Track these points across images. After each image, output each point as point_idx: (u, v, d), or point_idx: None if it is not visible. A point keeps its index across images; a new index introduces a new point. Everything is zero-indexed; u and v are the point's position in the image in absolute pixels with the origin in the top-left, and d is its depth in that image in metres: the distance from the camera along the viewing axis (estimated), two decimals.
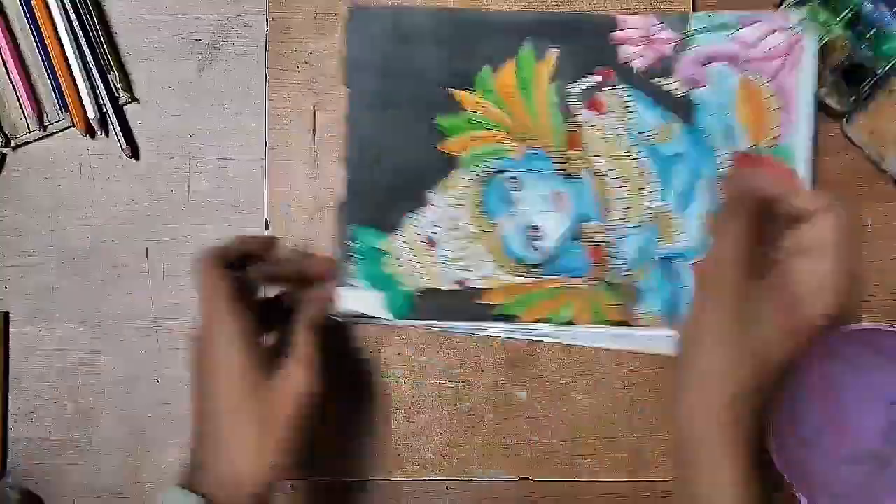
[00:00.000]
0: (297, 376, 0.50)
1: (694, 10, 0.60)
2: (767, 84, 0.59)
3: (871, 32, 0.59)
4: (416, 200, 0.60)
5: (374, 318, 0.59)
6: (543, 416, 0.60)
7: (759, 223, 0.46)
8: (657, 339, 0.59)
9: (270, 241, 0.57)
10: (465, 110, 0.60)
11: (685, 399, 0.45)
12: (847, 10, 0.59)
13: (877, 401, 0.59)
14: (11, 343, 0.61)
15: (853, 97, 0.59)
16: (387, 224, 0.60)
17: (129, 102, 0.62)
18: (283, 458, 0.49)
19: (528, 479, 0.59)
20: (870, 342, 0.56)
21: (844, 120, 0.60)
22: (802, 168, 0.59)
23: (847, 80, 0.59)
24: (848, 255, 0.44)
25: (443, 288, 0.59)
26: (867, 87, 0.59)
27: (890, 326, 0.55)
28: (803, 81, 0.59)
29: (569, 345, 0.60)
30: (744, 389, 0.44)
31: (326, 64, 0.61)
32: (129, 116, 0.62)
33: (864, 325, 0.55)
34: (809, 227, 0.44)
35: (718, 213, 0.47)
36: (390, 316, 0.59)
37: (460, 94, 0.60)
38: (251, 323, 0.51)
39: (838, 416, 0.59)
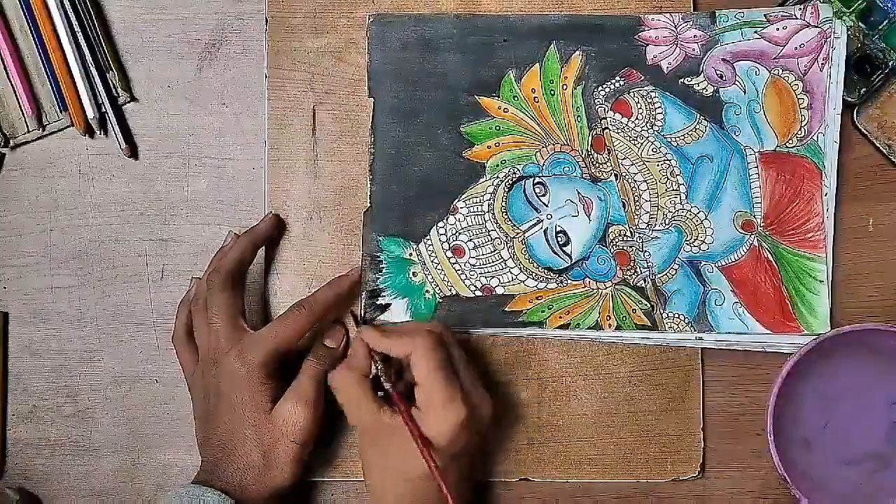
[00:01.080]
0: (295, 413, 0.54)
1: (694, 10, 0.60)
2: (796, 82, 0.59)
3: (884, 23, 0.59)
4: (442, 209, 0.60)
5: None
6: (543, 416, 0.60)
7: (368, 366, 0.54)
8: (683, 343, 0.59)
9: (270, 227, 0.59)
10: (491, 117, 0.60)
11: None
12: (859, 1, 0.59)
13: (877, 401, 0.59)
14: (11, 343, 0.61)
15: (864, 88, 0.59)
16: (413, 234, 0.59)
17: (128, 102, 0.62)
18: (285, 477, 0.54)
19: (527, 479, 0.59)
20: (870, 342, 0.56)
21: (855, 111, 0.60)
22: (829, 166, 0.59)
23: (858, 72, 0.59)
24: (432, 386, 0.51)
25: (468, 295, 0.59)
26: (878, 79, 0.59)
27: (890, 326, 0.55)
28: (833, 79, 0.59)
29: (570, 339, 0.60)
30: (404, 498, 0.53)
31: (326, 63, 0.61)
32: (128, 116, 0.62)
33: (864, 325, 0.55)
34: (411, 365, 0.52)
35: (339, 371, 0.54)
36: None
37: (485, 101, 0.60)
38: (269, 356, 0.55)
39: (838, 416, 0.59)
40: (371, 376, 0.54)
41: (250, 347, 0.54)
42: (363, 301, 0.59)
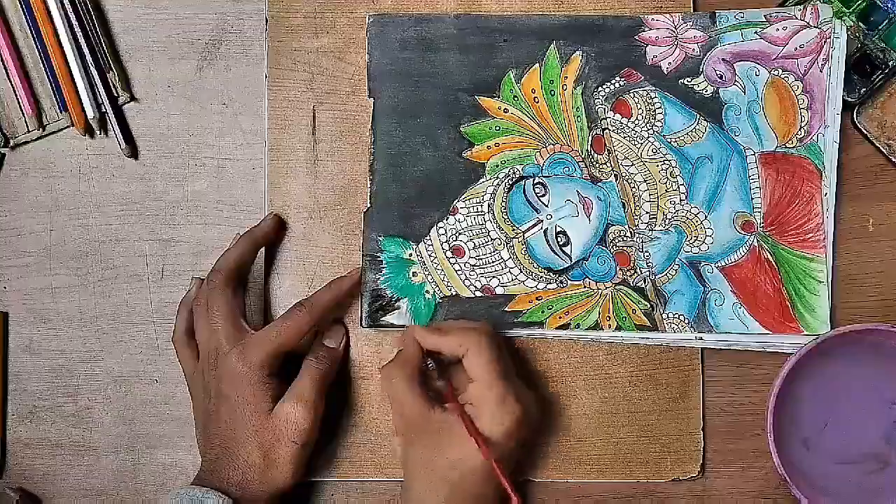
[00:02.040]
0: (294, 413, 0.54)
1: (694, 10, 0.60)
2: (796, 82, 0.59)
3: (884, 23, 0.59)
4: (442, 209, 0.60)
5: (403, 328, 0.59)
6: (544, 417, 0.59)
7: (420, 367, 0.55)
8: (683, 343, 0.59)
9: (271, 228, 0.59)
10: (491, 117, 0.60)
11: None
12: (859, 1, 0.59)
13: (877, 401, 0.59)
14: (10, 343, 0.61)
15: (864, 88, 0.59)
16: (413, 234, 0.59)
17: (128, 102, 0.62)
18: (285, 477, 0.54)
19: (527, 479, 0.59)
20: (870, 342, 0.56)
21: (855, 111, 0.60)
22: (829, 166, 0.59)
23: (858, 72, 0.59)
24: (490, 383, 0.52)
25: (468, 295, 0.59)
26: (878, 79, 0.59)
27: (890, 326, 0.55)
28: (833, 79, 0.59)
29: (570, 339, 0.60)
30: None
31: (326, 63, 0.61)
32: (128, 116, 0.62)
33: (864, 325, 0.55)
34: (465, 362, 0.53)
35: (389, 367, 0.55)
36: (414, 324, 0.59)
37: (485, 101, 0.60)
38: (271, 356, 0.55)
39: (838, 416, 0.59)
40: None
41: (251, 347, 0.54)
42: (363, 302, 0.59)
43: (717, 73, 0.59)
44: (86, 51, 0.60)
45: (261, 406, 0.54)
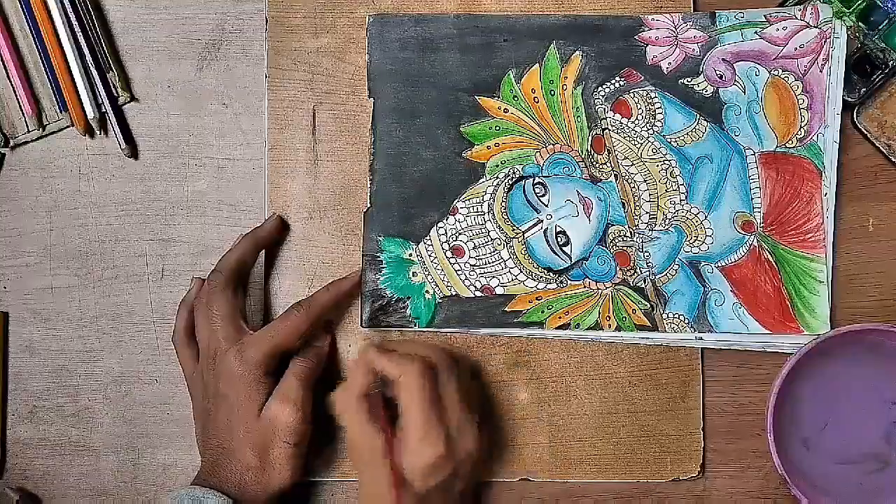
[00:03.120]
0: (283, 414, 0.54)
1: (694, 10, 0.60)
2: (796, 82, 0.59)
3: (884, 23, 0.59)
4: (442, 209, 0.59)
5: (404, 328, 0.59)
6: (544, 417, 0.60)
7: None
8: (683, 343, 0.59)
9: (273, 229, 0.59)
10: (491, 117, 0.60)
11: None
12: (859, 1, 0.59)
13: (877, 401, 0.59)
14: (10, 343, 0.61)
15: (864, 88, 0.59)
16: (413, 234, 0.59)
17: (128, 102, 0.62)
18: (283, 477, 0.54)
19: (527, 479, 0.59)
20: (870, 342, 0.56)
21: (855, 111, 0.60)
22: (829, 166, 0.59)
23: (858, 72, 0.59)
24: (415, 415, 0.51)
25: (468, 295, 0.59)
26: (878, 79, 0.59)
27: (890, 326, 0.55)
28: (833, 79, 0.59)
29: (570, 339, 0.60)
30: None
31: (326, 63, 0.61)
32: (128, 116, 0.62)
33: (864, 325, 0.55)
34: (396, 390, 0.52)
35: (341, 385, 0.54)
36: (415, 324, 0.59)
37: (485, 101, 0.60)
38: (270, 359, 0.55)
39: (838, 416, 0.59)
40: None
41: (248, 347, 0.54)
42: (363, 302, 0.59)
43: (717, 73, 0.59)
44: (86, 51, 0.60)
45: (252, 407, 0.54)
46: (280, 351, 0.55)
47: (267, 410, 0.54)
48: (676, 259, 0.59)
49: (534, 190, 0.59)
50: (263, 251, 0.60)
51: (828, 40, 0.58)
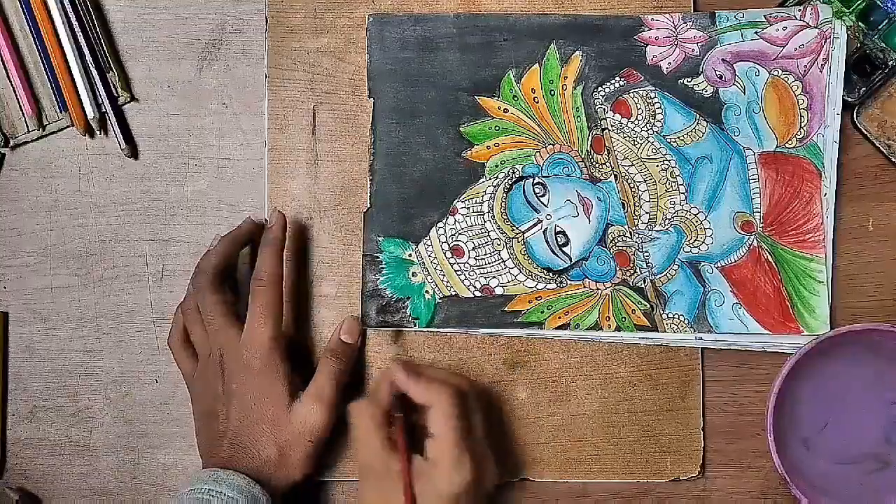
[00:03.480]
0: (314, 413, 0.54)
1: (695, 10, 0.60)
2: (795, 82, 0.59)
3: (884, 23, 0.59)
4: (442, 209, 0.60)
5: (403, 327, 0.59)
6: (543, 416, 0.60)
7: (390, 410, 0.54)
8: (683, 343, 0.59)
9: (250, 228, 0.59)
10: (490, 117, 0.60)
11: None
12: (859, 1, 0.59)
13: (877, 401, 0.59)
14: (10, 343, 0.61)
15: (864, 88, 0.59)
16: (413, 234, 0.59)
17: (128, 102, 0.62)
18: (299, 472, 0.54)
19: (527, 479, 0.59)
20: (870, 342, 0.56)
21: (855, 111, 0.60)
22: (829, 166, 0.59)
23: (858, 72, 0.59)
24: (448, 443, 0.51)
25: (467, 295, 0.59)
26: (878, 78, 0.59)
27: (890, 326, 0.55)
28: (832, 79, 0.59)
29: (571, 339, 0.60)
30: None
31: (326, 63, 0.61)
32: (128, 116, 0.62)
33: (864, 325, 0.55)
34: (429, 416, 0.52)
35: (359, 404, 0.54)
36: (415, 324, 0.59)
37: (485, 101, 0.60)
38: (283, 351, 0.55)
39: (838, 416, 0.59)
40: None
41: (254, 341, 0.54)
42: (363, 302, 0.59)
43: (717, 73, 0.59)
44: (86, 51, 0.60)
45: (279, 401, 0.54)
46: (280, 330, 0.55)
47: (298, 409, 0.54)
48: (676, 259, 0.59)
49: (533, 190, 0.59)
50: (248, 249, 0.60)
51: (828, 40, 0.58)
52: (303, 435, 0.54)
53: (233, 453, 0.54)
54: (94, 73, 0.60)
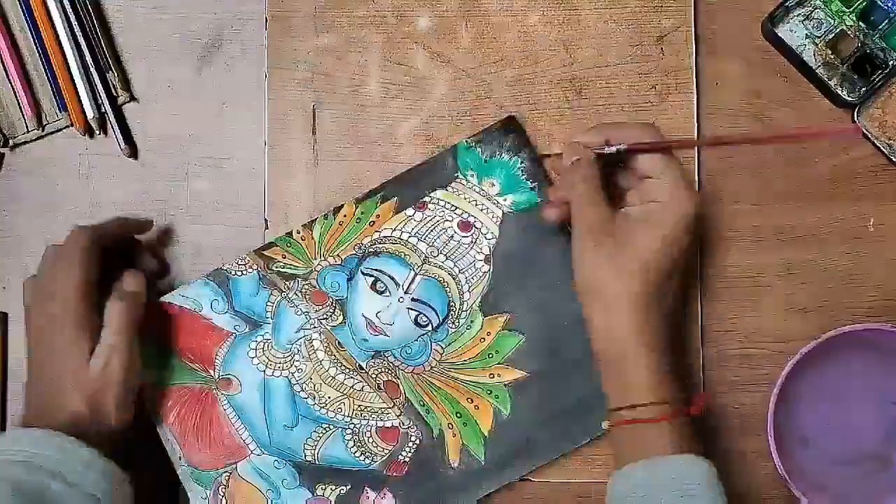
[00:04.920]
0: (110, 364, 0.53)
1: (695, 10, 0.60)
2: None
3: (884, 23, 0.59)
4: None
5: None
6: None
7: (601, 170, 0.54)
8: None
9: (145, 223, 0.59)
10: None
11: (602, 320, 0.52)
12: (859, 1, 0.59)
13: (877, 401, 0.59)
14: (11, 343, 0.61)
15: (864, 88, 0.59)
16: None
17: (128, 102, 0.62)
18: (117, 422, 0.53)
19: (528, 479, 0.59)
20: (870, 342, 0.56)
21: (855, 111, 0.60)
22: None
23: (858, 71, 0.59)
24: (675, 173, 0.52)
25: None
26: (878, 78, 0.59)
27: (890, 327, 0.55)
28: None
29: None
30: (640, 297, 0.51)
31: (326, 63, 0.61)
32: (127, 116, 0.62)
33: (864, 325, 0.55)
34: (654, 182, 0.53)
35: (570, 165, 0.53)
36: None
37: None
38: (93, 295, 0.54)
39: (838, 416, 0.59)
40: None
41: (60, 291, 0.53)
42: None
43: None
44: (86, 51, 0.60)
45: (79, 354, 0.53)
46: (91, 284, 0.54)
47: (95, 363, 0.53)
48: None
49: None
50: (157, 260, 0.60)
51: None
52: (107, 386, 0.53)
53: (45, 405, 0.53)
54: (94, 73, 0.60)
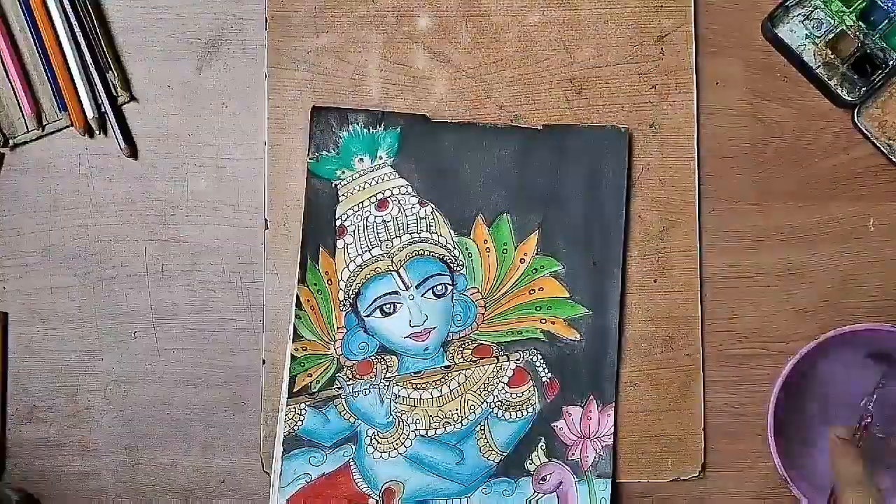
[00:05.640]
0: None
1: (694, 9, 0.60)
2: None
3: (884, 23, 0.59)
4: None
5: None
6: None
7: None
8: None
9: None
10: None
11: None
12: (859, 1, 0.59)
13: (877, 401, 0.59)
14: (10, 343, 0.61)
15: (864, 88, 0.59)
16: None
17: (128, 102, 0.62)
18: None
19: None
20: (870, 342, 0.56)
21: (855, 111, 0.60)
22: None
23: (858, 71, 0.59)
24: None
25: None
26: (878, 78, 0.59)
27: (890, 326, 0.55)
28: None
29: None
30: None
31: (326, 63, 0.61)
32: (127, 116, 0.62)
33: (864, 326, 0.55)
34: None
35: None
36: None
37: None
38: None
39: (838, 416, 0.59)
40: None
41: None
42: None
43: None
44: (86, 51, 0.60)
45: None
46: None
47: None
48: None
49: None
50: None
51: None
52: None
53: None
54: (94, 73, 0.60)
